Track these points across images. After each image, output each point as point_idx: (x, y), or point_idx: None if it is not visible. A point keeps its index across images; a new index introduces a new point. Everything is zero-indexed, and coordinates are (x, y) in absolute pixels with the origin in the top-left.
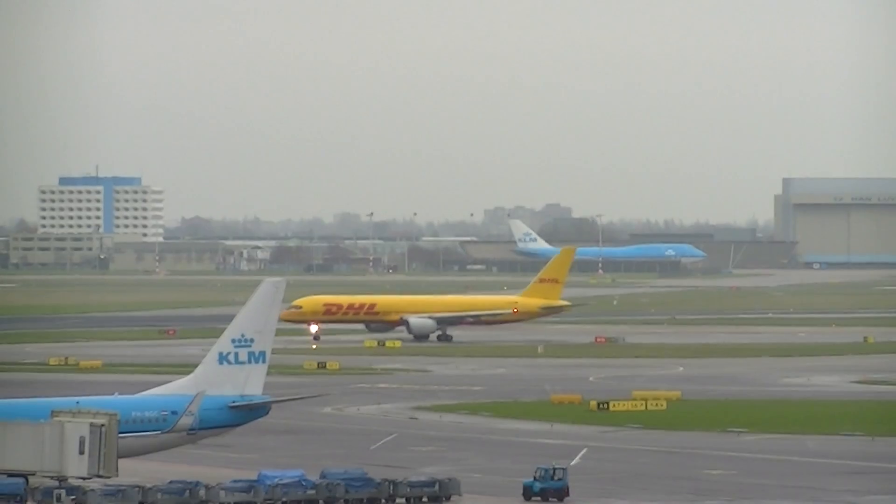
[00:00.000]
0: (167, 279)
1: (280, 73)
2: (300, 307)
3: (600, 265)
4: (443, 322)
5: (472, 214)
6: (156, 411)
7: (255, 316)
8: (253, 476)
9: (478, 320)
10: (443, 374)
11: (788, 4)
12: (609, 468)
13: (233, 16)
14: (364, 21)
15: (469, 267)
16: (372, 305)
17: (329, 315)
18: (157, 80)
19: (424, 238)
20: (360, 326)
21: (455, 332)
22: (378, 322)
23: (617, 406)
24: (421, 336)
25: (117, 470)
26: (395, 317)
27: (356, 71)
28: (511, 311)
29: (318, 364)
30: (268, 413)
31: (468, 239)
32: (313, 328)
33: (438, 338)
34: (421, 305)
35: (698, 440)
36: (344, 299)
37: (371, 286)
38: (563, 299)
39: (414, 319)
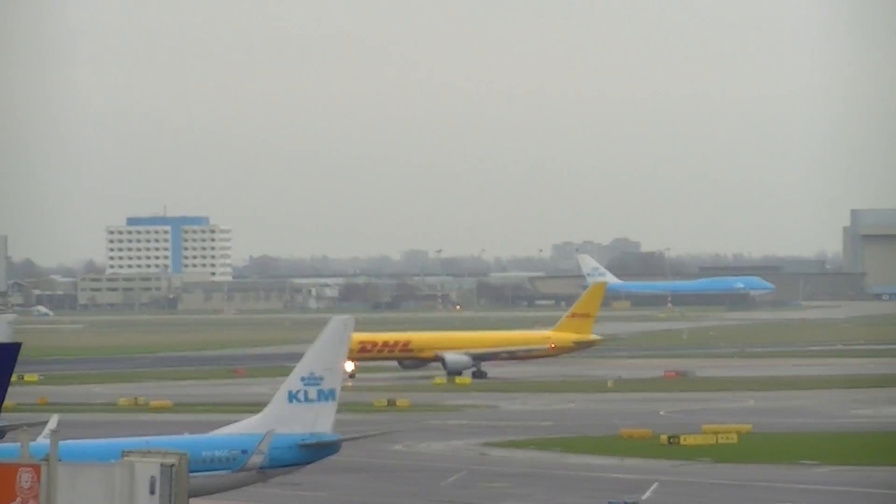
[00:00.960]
0: (236, 318)
1: (342, 111)
2: None
3: (669, 299)
4: (477, 358)
5: (540, 250)
6: (226, 450)
7: (324, 354)
8: None
9: (512, 356)
10: (512, 409)
11: (851, 34)
12: (680, 502)
13: (298, 56)
14: (433, 58)
15: (538, 302)
16: (406, 342)
17: (364, 353)
18: (223, 120)
19: (493, 274)
20: (394, 364)
21: (492, 369)
22: (412, 359)
23: (687, 440)
24: (455, 373)
25: None
26: (430, 353)
27: (419, 109)
28: (548, 346)
29: (388, 401)
30: (338, 451)
31: (536, 274)
32: (349, 366)
33: (473, 374)
34: (455, 341)
35: (769, 473)
36: (379, 336)
37: (439, 323)
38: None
39: (450, 356)
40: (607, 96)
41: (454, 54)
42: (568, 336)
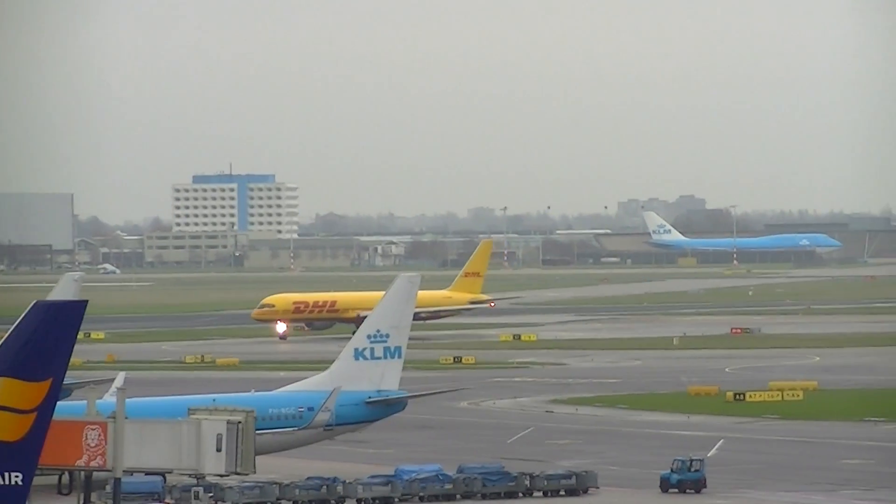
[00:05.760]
0: (302, 276)
1: (410, 70)
2: (272, 305)
3: (735, 256)
4: None
5: (605, 207)
6: (292, 408)
7: (391, 311)
8: (390, 471)
9: (436, 315)
10: (578, 366)
11: None
12: (746, 459)
13: (370, 15)
14: (499, 21)
15: (603, 259)
16: (333, 303)
17: (298, 313)
18: (290, 78)
19: (559, 231)
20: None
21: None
22: (330, 320)
23: (753, 397)
24: None
25: (255, 467)
26: (353, 314)
27: (487, 68)
28: (489, 304)
29: (454, 358)
30: (404, 408)
31: (602, 231)
32: (281, 328)
33: None
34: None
35: (835, 430)
36: (310, 297)
37: (507, 280)
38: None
39: None
40: (669, 58)
41: (524, 16)
42: (465, 296)
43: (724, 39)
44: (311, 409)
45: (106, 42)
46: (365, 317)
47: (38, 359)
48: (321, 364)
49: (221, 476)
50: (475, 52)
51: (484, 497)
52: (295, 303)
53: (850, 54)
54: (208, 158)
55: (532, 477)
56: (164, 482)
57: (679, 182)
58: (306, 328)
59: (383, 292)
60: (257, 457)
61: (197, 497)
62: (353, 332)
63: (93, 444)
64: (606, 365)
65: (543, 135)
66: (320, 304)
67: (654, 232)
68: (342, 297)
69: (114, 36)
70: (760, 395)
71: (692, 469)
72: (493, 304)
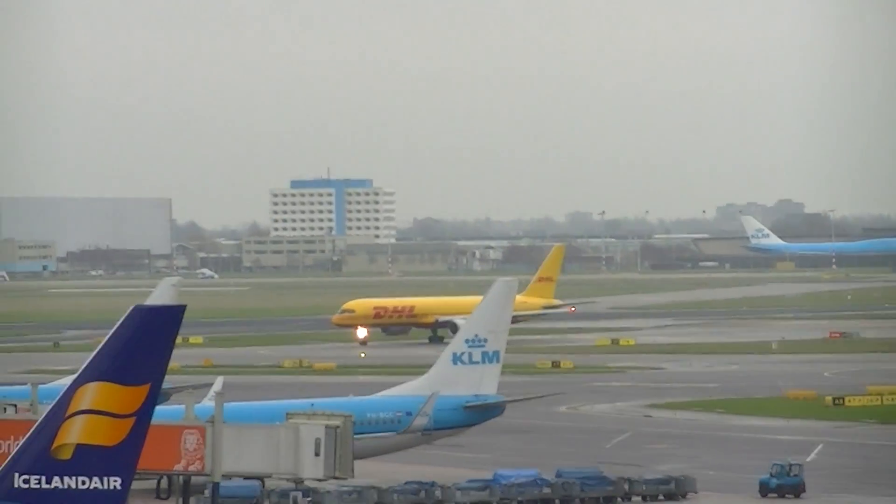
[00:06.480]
0: (400, 280)
1: (507, 73)
2: (352, 311)
3: (833, 260)
4: None
5: (703, 211)
6: (390, 412)
7: (489, 316)
8: (488, 476)
9: (515, 319)
10: (676, 371)
11: None
12: (845, 464)
13: (464, 19)
14: (598, 23)
15: (701, 264)
16: (412, 308)
17: (378, 318)
18: (387, 82)
19: (656, 236)
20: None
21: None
22: (408, 325)
23: (852, 401)
24: None
25: (353, 471)
26: (431, 319)
27: (585, 72)
28: (568, 309)
29: (552, 363)
30: (502, 413)
31: (700, 236)
32: (361, 333)
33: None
34: (455, 307)
35: None
36: (390, 302)
37: (603, 285)
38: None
39: (460, 321)
40: (769, 61)
41: (618, 17)
42: (538, 301)
43: (820, 42)
44: (409, 413)
45: (203, 47)
46: (443, 322)
47: (136, 363)
48: (420, 368)
49: (319, 480)
50: (572, 55)
51: (582, 501)
52: (375, 307)
53: None
54: (306, 163)
55: (630, 481)
56: (263, 487)
57: (777, 186)
58: (382, 333)
59: (467, 297)
60: (355, 461)
61: (295, 502)
62: (429, 338)
63: (191, 449)
64: (704, 369)
65: (641, 138)
66: (399, 308)
67: (752, 236)
68: (420, 301)
69: (211, 41)
70: (859, 400)
71: (791, 474)
72: (573, 309)
